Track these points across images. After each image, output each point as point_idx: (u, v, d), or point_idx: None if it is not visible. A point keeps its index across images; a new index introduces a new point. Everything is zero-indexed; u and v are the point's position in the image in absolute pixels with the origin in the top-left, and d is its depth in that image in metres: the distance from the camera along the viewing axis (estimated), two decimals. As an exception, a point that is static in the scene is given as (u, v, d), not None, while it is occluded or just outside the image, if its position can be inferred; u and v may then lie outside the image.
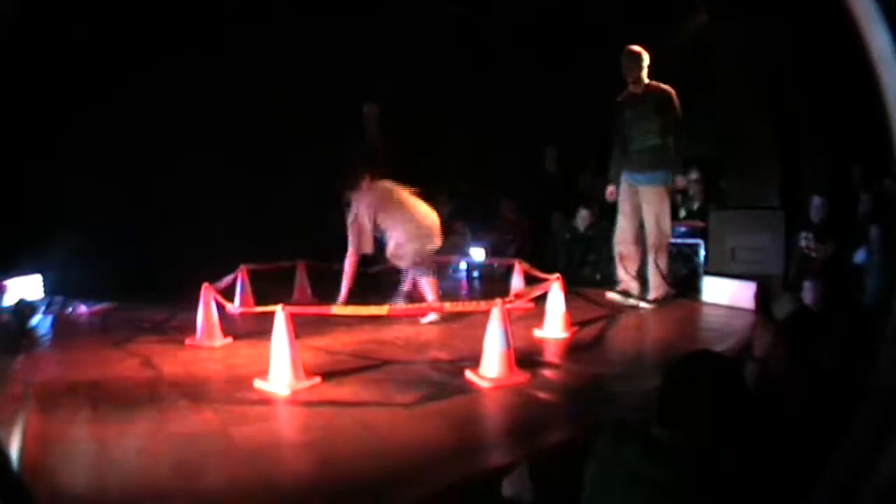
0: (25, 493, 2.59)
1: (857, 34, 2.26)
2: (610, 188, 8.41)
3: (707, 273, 8.77)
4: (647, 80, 8.16)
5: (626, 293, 8.45)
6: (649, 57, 8.13)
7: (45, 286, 8.99)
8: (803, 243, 7.93)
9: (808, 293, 6.90)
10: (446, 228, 10.41)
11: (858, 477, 2.09)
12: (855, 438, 2.22)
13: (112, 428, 4.44)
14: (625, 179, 8.34)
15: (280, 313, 5.27)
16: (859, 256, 7.39)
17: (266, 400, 5.03)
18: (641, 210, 8.26)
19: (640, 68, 8.11)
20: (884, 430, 2.12)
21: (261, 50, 10.25)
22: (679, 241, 9.32)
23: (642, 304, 8.28)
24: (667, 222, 8.20)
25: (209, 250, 8.82)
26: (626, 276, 8.48)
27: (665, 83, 8.24)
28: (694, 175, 10.31)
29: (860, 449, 2.16)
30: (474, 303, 5.50)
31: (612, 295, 8.46)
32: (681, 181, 8.34)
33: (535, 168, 12.52)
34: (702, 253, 9.10)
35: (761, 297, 7.36)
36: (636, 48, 8.14)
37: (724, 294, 8.21)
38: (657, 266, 8.28)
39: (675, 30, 10.50)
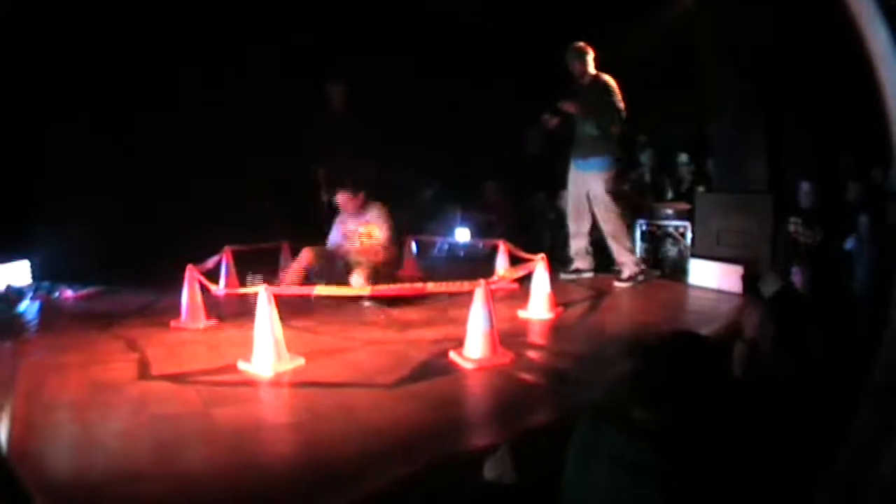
0: (24, 493, 2.59)
1: (855, 32, 2.25)
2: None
3: (694, 256, 8.78)
4: (591, 72, 8.55)
5: (577, 271, 8.90)
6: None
7: (31, 272, 8.99)
8: (791, 228, 7.92)
9: (796, 278, 6.92)
10: (429, 210, 10.47)
11: (860, 476, 2.09)
12: (856, 437, 2.22)
13: (95, 410, 4.45)
14: (572, 162, 8.84)
15: (263, 294, 5.26)
16: (848, 244, 7.40)
17: (249, 382, 5.02)
18: (586, 193, 8.68)
19: (584, 63, 8.54)
20: (885, 429, 2.12)
21: (238, 32, 10.26)
22: (666, 223, 9.35)
23: (585, 274, 8.85)
24: (610, 206, 8.50)
25: (194, 231, 8.83)
26: (574, 253, 8.95)
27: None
28: (683, 157, 10.33)
29: (861, 448, 2.16)
30: (458, 283, 5.48)
31: (564, 276, 8.77)
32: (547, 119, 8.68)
33: (518, 148, 12.54)
34: (689, 235, 9.10)
35: (748, 278, 7.37)
36: (580, 44, 8.57)
37: (711, 277, 8.22)
38: (621, 246, 8.60)
39: (662, 10, 10.46)
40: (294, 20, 10.41)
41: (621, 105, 8.36)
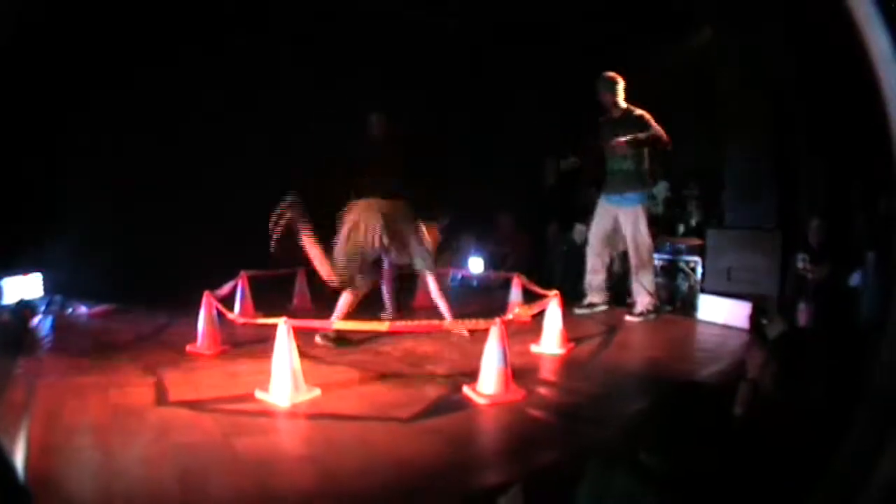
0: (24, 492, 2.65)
1: (856, 36, 2.29)
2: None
3: (703, 291, 8.85)
4: (623, 105, 8.38)
5: (591, 305, 8.83)
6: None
7: (44, 285, 9.04)
8: (800, 264, 7.99)
9: (802, 315, 6.97)
10: (443, 242, 10.49)
11: (858, 480, 2.13)
12: (854, 441, 2.25)
13: (115, 436, 4.48)
14: (602, 197, 8.72)
15: (282, 326, 5.31)
16: (855, 279, 7.45)
17: (267, 412, 5.05)
18: (616, 229, 8.61)
19: (614, 94, 8.35)
20: (883, 433, 2.16)
21: (258, 56, 10.37)
22: (677, 258, 9.43)
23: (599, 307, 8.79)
24: (645, 241, 8.44)
25: (208, 250, 8.90)
26: (591, 288, 8.88)
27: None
28: (693, 191, 10.39)
29: (859, 452, 2.19)
30: (474, 321, 5.53)
31: (578, 311, 8.70)
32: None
33: (534, 180, 12.58)
34: (699, 271, 9.17)
35: (754, 318, 7.43)
36: (611, 74, 8.38)
37: (720, 313, 8.28)
38: (641, 284, 8.51)
39: (678, 46, 10.56)
40: (317, 47, 10.55)
41: (663, 135, 8.19)
